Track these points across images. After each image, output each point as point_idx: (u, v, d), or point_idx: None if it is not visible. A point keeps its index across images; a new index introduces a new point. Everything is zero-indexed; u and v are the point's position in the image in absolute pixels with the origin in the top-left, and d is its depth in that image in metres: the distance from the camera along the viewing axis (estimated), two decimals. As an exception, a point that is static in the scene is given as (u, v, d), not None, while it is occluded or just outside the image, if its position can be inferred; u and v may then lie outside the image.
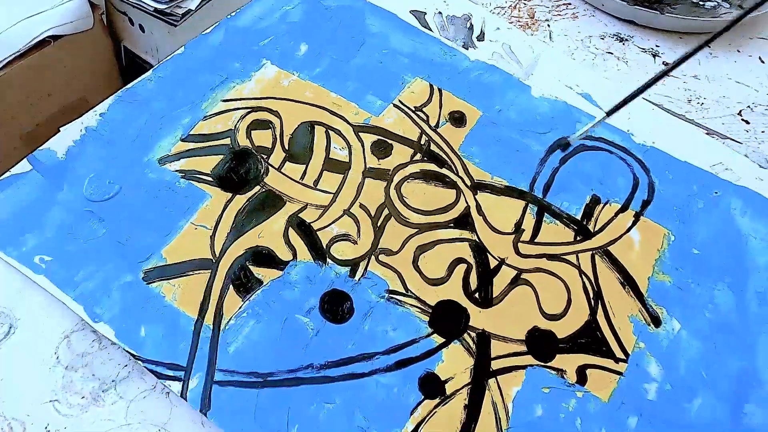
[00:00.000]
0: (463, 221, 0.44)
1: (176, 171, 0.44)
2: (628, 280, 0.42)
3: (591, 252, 0.43)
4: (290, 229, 0.42)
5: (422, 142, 0.47)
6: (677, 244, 0.44)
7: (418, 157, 0.46)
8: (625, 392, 0.38)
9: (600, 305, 0.41)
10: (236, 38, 0.52)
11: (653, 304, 0.41)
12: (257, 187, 0.44)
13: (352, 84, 0.50)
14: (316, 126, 0.47)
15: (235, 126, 0.46)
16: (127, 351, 0.36)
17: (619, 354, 0.39)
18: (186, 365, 0.36)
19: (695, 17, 0.59)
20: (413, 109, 0.49)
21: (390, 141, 0.47)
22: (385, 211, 0.44)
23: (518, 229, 0.44)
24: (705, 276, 0.43)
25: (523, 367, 0.38)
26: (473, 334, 0.39)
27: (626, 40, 0.59)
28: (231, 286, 0.39)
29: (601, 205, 0.45)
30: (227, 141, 0.46)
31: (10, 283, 0.38)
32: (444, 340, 0.39)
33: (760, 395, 0.38)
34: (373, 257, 0.41)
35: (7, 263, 0.39)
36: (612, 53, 0.58)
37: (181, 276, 0.39)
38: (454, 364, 0.38)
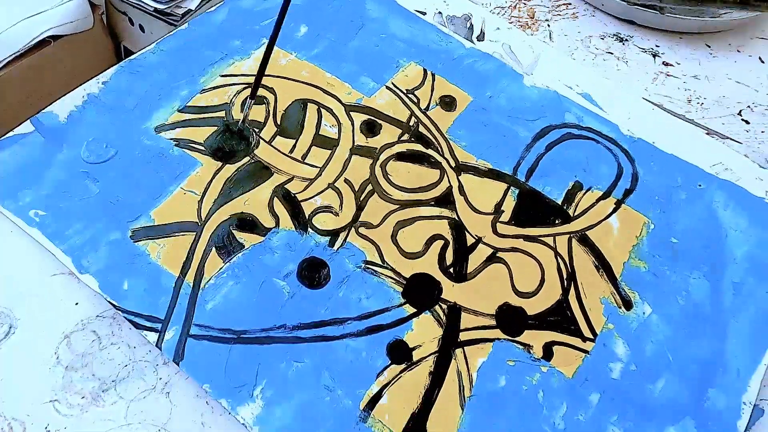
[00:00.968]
0: (445, 200, 0.45)
1: (171, 139, 0.45)
2: (603, 264, 0.43)
3: (568, 235, 0.44)
4: (275, 198, 0.43)
5: (411, 123, 0.49)
6: (656, 232, 0.45)
7: (405, 137, 0.48)
8: (589, 370, 0.38)
9: (573, 286, 0.41)
10: (239, 17, 0.54)
11: (626, 288, 0.42)
12: (246, 158, 0.45)
13: (348, 66, 0.52)
14: (308, 104, 0.49)
15: (231, 100, 0.48)
16: (108, 301, 0.38)
17: (587, 333, 0.40)
18: (164, 318, 0.38)
19: (695, 17, 0.59)
20: (405, 91, 0.50)
21: (380, 121, 0.48)
22: (369, 187, 0.45)
23: (498, 210, 0.45)
24: (681, 264, 0.43)
25: (491, 340, 0.39)
26: (444, 307, 0.40)
27: (626, 40, 0.60)
28: (213, 249, 0.41)
29: (583, 191, 0.46)
30: (222, 114, 0.47)
31: (11, 283, 0.39)
32: (415, 310, 0.40)
33: (725, 381, 0.38)
34: (353, 229, 0.43)
35: (7, 263, 0.40)
36: (612, 53, 0.58)
37: (167, 236, 0.41)
38: (424, 333, 0.39)
